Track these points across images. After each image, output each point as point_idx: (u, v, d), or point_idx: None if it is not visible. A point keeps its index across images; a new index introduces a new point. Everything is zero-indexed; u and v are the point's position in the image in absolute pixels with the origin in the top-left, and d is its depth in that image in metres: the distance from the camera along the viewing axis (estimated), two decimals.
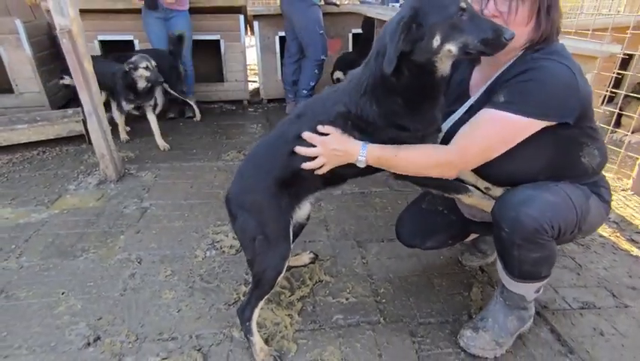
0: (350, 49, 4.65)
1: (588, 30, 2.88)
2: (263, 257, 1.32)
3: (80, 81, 2.41)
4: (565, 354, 1.43)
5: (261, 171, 1.34)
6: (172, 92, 3.83)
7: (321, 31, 3.73)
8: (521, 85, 1.12)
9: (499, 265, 1.38)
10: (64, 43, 2.27)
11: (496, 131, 1.15)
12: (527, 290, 1.37)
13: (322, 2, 4.07)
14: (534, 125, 1.13)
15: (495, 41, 1.03)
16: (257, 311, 1.37)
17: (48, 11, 3.85)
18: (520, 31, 1.15)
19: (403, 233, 1.69)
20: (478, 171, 1.36)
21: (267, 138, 1.41)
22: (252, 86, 4.91)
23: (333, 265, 1.90)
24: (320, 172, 1.28)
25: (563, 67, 1.12)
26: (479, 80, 1.36)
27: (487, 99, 1.23)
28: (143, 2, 3.62)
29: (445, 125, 1.36)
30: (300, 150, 1.26)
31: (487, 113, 1.16)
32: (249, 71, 4.80)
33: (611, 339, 1.49)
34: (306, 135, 1.26)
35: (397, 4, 3.07)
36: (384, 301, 1.68)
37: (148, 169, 2.89)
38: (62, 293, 1.71)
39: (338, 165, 1.27)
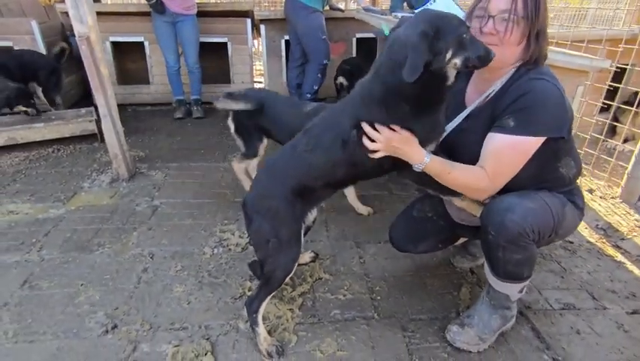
0: (354, 53, 4.77)
1: (583, 42, 2.99)
2: (275, 258, 1.44)
3: (96, 85, 2.55)
4: (542, 350, 1.55)
5: (277, 181, 1.46)
6: (41, 96, 3.76)
7: (324, 37, 3.87)
8: (527, 110, 1.29)
9: (486, 267, 1.51)
10: (83, 50, 2.40)
11: (517, 155, 1.32)
12: (511, 290, 1.50)
13: (327, 7, 4.19)
14: (541, 141, 1.31)
15: (485, 58, 1.23)
16: (264, 305, 1.51)
17: (63, 13, 4.00)
18: (511, 50, 1.32)
19: (396, 239, 1.83)
20: None
21: (283, 150, 1.54)
22: (256, 87, 5.03)
23: (333, 264, 2.03)
24: (374, 156, 1.35)
25: (554, 87, 1.30)
26: (474, 93, 1.49)
27: (489, 113, 1.37)
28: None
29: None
30: (365, 127, 1.32)
31: (505, 140, 1.30)
32: (254, 72, 4.92)
33: (586, 338, 1.61)
34: (375, 128, 1.31)
35: (400, 14, 3.18)
36: (378, 298, 1.81)
37: (158, 168, 3.03)
38: (81, 285, 1.85)
39: (393, 156, 1.35)
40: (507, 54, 1.32)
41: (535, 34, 1.30)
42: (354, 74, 3.99)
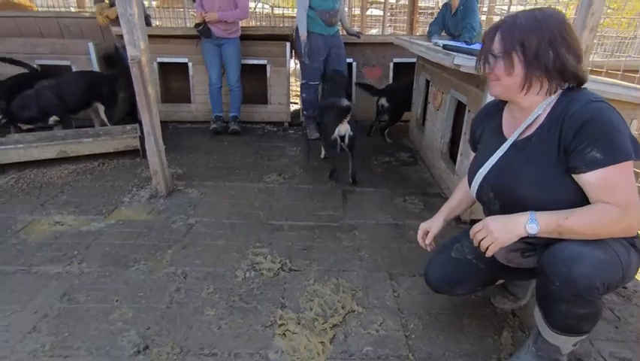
0: (391, 77, 4.79)
1: (637, 72, 2.84)
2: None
3: (142, 104, 2.66)
4: None
5: None
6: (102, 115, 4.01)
7: (302, 59, 4.08)
8: (605, 137, 1.17)
9: (537, 314, 1.39)
10: (134, 71, 2.53)
11: (628, 177, 1.20)
12: (565, 343, 1.37)
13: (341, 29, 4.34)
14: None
15: None
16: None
17: (118, 35, 4.26)
18: (512, 83, 1.29)
19: (433, 280, 1.72)
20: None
21: None
22: (292, 108, 5.11)
23: (365, 296, 1.96)
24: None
25: (614, 110, 1.22)
26: (512, 124, 1.42)
27: (548, 143, 1.27)
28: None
29: (484, 169, 1.43)
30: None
31: (605, 173, 1.18)
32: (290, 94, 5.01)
33: None
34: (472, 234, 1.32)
35: (438, 41, 3.16)
36: (413, 336, 1.73)
37: (195, 187, 3.10)
38: (116, 301, 1.88)
39: (511, 241, 1.26)
40: (510, 87, 1.30)
41: (532, 56, 1.22)
42: (395, 97, 4.23)
